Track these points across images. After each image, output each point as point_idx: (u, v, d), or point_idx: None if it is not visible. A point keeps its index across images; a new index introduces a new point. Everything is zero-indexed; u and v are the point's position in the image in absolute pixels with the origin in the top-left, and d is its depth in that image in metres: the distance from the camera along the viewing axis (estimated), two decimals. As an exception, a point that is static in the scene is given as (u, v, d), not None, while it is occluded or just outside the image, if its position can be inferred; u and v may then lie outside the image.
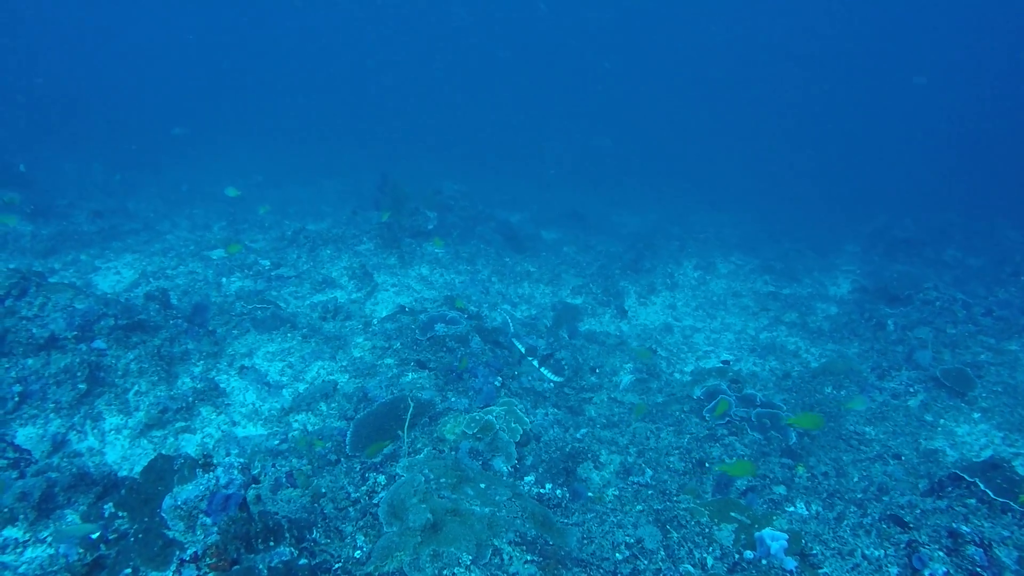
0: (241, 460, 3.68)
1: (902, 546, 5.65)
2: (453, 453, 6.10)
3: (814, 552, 5.70)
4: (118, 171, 23.81)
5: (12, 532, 4.85)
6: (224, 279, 12.12)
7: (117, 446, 6.95)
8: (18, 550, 4.72)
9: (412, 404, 6.50)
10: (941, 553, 5.24)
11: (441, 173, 29.32)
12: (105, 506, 3.67)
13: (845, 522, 6.35)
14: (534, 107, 49.66)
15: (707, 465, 7.53)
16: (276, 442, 7.10)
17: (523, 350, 10.12)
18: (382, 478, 5.40)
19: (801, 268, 18.39)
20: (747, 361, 12.55)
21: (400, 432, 6.74)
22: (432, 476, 4.71)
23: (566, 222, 22.97)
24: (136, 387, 7.68)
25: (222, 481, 3.53)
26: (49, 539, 4.73)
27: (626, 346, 12.56)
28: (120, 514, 3.68)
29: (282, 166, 29.81)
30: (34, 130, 24.40)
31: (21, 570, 4.46)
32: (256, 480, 3.96)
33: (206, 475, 3.55)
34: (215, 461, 3.64)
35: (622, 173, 37.09)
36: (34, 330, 7.35)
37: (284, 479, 5.14)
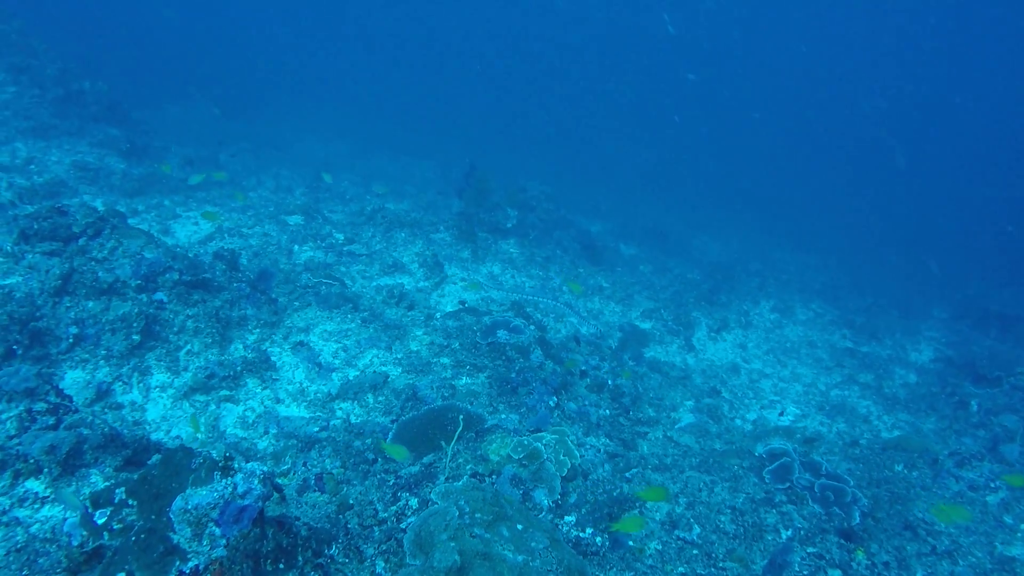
0: (264, 469, 3.38)
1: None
2: (493, 484, 5.74)
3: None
4: (224, 119, 24.28)
5: (34, 485, 4.70)
6: (296, 246, 12.04)
7: (159, 404, 6.82)
8: (35, 505, 4.57)
9: (462, 423, 6.15)
10: None
11: (529, 170, 29.00)
12: (117, 491, 3.44)
13: (909, 631, 5.74)
14: (630, 119, 48.79)
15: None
16: (316, 429, 6.86)
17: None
18: (414, 501, 5.07)
19: (883, 326, 17.33)
20: (814, 419, 11.83)
21: (443, 443, 6.42)
22: (468, 509, 4.35)
23: (646, 239, 22.32)
24: (188, 346, 7.56)
25: (240, 489, 3.24)
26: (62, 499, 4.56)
27: (689, 381, 12.02)
28: (130, 502, 3.44)
29: (374, 137, 29.93)
30: (145, 69, 25.04)
31: (33, 529, 4.29)
32: (278, 489, 3.66)
33: (224, 480, 3.27)
34: (236, 466, 3.36)
35: (710, 195, 36.13)
36: (100, 273, 7.29)
37: (313, 481, 4.87)
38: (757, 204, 36.08)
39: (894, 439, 10.85)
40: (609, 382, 9.86)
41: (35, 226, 7.60)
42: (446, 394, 7.89)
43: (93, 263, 7.54)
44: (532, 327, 9.86)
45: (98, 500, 3.49)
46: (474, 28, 56.34)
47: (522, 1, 56.30)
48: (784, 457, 8.55)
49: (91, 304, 7.11)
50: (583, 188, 28.51)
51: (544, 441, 6.54)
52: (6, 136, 13.54)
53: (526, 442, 6.43)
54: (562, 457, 6.42)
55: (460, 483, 4.88)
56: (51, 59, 16.09)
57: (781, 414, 10.66)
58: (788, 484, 8.06)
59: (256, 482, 3.27)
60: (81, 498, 4.48)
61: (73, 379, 6.60)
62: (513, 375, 8.56)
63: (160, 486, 3.38)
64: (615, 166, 36.78)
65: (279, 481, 4.55)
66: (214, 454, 3.35)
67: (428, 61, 49.08)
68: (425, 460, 6.31)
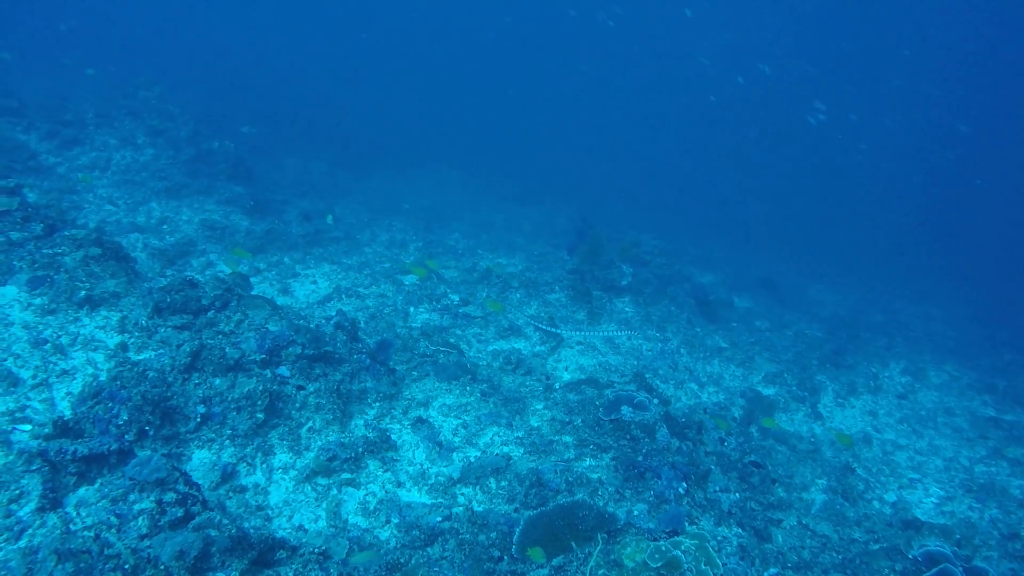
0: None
1: None
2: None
3: None
4: (339, 171, 24.99)
5: (163, 592, 4.55)
6: (412, 308, 11.98)
7: (281, 487, 6.69)
8: (165, 616, 4.41)
9: (600, 541, 5.72)
10: None
11: (636, 217, 28.56)
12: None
13: None
14: (741, 165, 47.57)
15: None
16: (438, 518, 6.55)
17: None
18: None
19: (1028, 390, 15.80)
20: (961, 502, 10.71)
21: (574, 544, 6.00)
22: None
23: (759, 291, 21.36)
24: (310, 423, 7.44)
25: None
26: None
27: (819, 454, 11.17)
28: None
29: (480, 184, 30.16)
30: (266, 123, 26.11)
31: (162, 647, 4.11)
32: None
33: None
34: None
35: (822, 239, 34.65)
36: (227, 349, 7.29)
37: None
38: (873, 250, 34.37)
39: (1063, 533, 9.67)
40: (736, 459, 9.22)
41: (168, 299, 7.71)
42: (571, 479, 7.47)
43: (221, 337, 7.57)
44: (656, 401, 9.33)
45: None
46: (575, 77, 56.51)
47: (633, 52, 56.30)
48: (944, 563, 7.64)
49: (218, 381, 7.09)
50: (692, 237, 27.73)
51: (683, 547, 6.00)
52: (143, 197, 14.23)
53: (664, 548, 5.91)
54: (703, 567, 5.86)
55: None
56: (184, 121, 16.99)
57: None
58: (953, 595, 7.19)
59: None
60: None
61: (200, 460, 6.56)
62: (640, 458, 8.05)
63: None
64: (724, 211, 35.81)
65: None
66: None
67: (531, 109, 49.41)
68: (555, 562, 5.90)
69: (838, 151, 47.09)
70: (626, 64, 56.98)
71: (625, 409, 8.74)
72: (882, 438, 12.64)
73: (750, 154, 48.16)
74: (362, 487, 6.91)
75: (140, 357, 7.21)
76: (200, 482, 6.01)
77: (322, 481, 6.82)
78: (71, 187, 13.60)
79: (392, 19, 59.90)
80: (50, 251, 8.04)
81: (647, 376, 10.96)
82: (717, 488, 8.41)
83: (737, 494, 8.57)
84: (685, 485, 7.98)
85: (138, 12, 47.82)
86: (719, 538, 7.52)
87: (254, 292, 9.87)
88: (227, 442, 6.82)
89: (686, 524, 6.83)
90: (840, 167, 47.50)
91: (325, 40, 54.85)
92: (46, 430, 5.82)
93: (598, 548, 5.63)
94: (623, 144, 46.11)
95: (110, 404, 6.26)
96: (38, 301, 7.46)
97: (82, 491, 5.46)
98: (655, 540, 6.14)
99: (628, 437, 8.46)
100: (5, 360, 6.65)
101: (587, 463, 7.98)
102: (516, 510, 6.95)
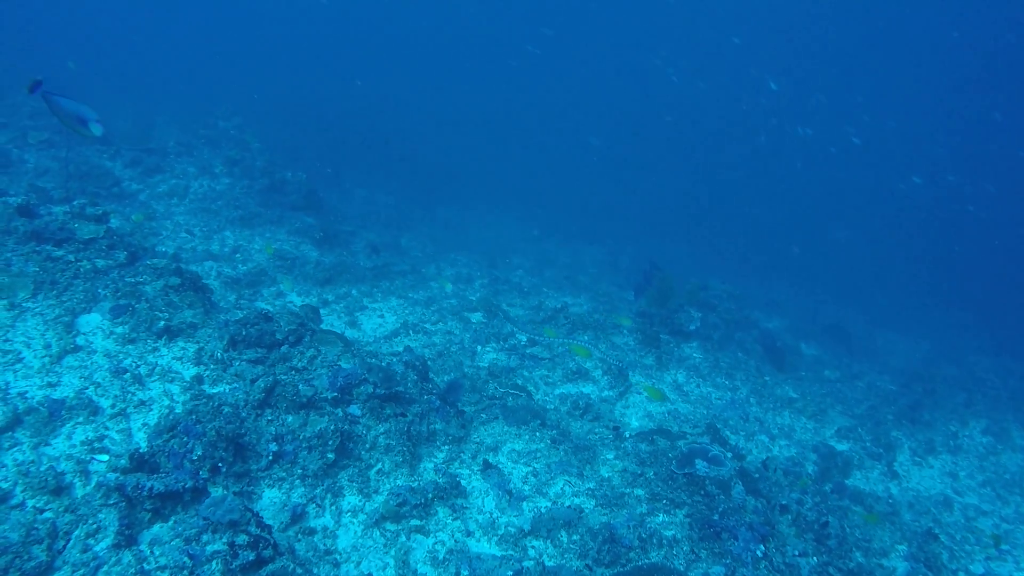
0: None
1: None
2: None
3: None
4: (404, 203, 25.27)
5: (235, 642, 4.43)
6: (479, 347, 11.85)
7: (350, 531, 6.54)
8: (236, 670, 4.27)
9: None
10: None
11: (699, 259, 28.16)
12: None
13: None
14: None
15: None
16: (509, 573, 6.31)
17: None
18: None
19: (1122, 459, 14.82)
20: (1059, 580, 10.02)
21: (652, 610, 5.70)
22: None
23: (827, 337, 20.73)
24: (379, 465, 7.30)
25: None
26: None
27: (897, 517, 10.58)
28: None
29: (540, 219, 30.13)
30: (336, 155, 26.62)
31: None
32: None
33: None
34: None
35: (890, 286, 33.54)
36: (300, 386, 7.23)
37: None
38: (948, 295, 33.09)
39: None
40: (813, 520, 8.76)
41: (243, 332, 7.73)
42: (644, 535, 7.17)
43: (294, 373, 7.53)
44: (730, 455, 8.97)
45: None
46: (645, 122, 56.29)
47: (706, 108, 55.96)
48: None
49: (290, 419, 7.03)
50: (758, 281, 27.17)
51: (771, 621, 5.64)
52: (218, 225, 14.52)
53: (750, 621, 5.57)
54: (793, 644, 5.49)
55: None
56: (260, 151, 17.36)
57: None
58: None
59: None
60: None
61: (270, 499, 6.46)
62: (716, 517, 7.69)
63: None
64: (789, 255, 35.01)
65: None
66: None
67: (595, 150, 49.35)
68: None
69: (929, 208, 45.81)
70: (699, 116, 56.47)
71: (699, 463, 8.39)
72: (963, 501, 12.00)
73: (825, 205, 47.27)
74: (431, 535, 6.72)
75: (215, 390, 7.20)
76: (270, 522, 5.92)
77: (391, 527, 6.65)
78: (151, 214, 13.95)
79: (463, 59, 61.06)
80: (132, 279, 8.15)
81: (716, 424, 10.60)
82: (796, 552, 7.99)
83: (815, 558, 8.12)
84: (763, 548, 7.60)
85: (220, 47, 49.75)
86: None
87: (323, 325, 9.86)
88: (297, 482, 6.72)
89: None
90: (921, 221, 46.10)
91: (399, 78, 56.05)
92: (122, 462, 5.80)
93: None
94: (686, 188, 45.68)
95: (185, 438, 6.22)
96: (119, 330, 7.55)
97: (156, 528, 5.42)
98: (739, 612, 5.80)
99: (702, 493, 8.12)
100: (87, 388, 6.71)
101: (660, 519, 7.66)
102: (588, 567, 6.68)
